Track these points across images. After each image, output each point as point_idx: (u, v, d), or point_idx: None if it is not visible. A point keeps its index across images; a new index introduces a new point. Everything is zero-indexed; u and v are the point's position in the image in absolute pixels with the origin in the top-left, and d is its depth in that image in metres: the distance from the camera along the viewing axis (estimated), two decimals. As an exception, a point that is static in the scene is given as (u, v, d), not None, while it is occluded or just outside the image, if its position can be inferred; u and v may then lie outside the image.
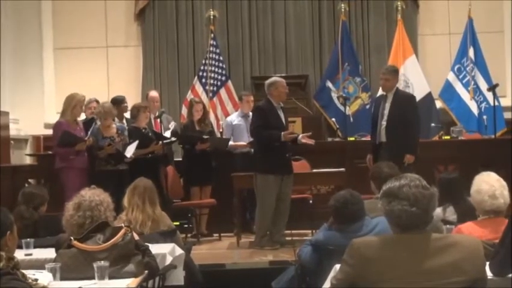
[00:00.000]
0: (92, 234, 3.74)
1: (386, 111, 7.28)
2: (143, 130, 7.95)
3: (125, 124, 8.19)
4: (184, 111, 9.74)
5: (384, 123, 7.27)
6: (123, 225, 3.88)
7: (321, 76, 10.95)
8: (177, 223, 7.56)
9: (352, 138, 9.02)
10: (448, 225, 4.41)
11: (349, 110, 10.15)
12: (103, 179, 7.06)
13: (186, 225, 8.31)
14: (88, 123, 7.87)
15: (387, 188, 2.77)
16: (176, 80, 11.09)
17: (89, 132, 7.51)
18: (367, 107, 10.45)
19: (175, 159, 8.75)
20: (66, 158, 7.36)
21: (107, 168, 7.49)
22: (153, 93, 9.05)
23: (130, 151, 7.57)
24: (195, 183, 8.26)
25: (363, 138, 9.14)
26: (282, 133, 7.19)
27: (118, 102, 8.41)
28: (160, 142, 7.87)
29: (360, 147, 8.29)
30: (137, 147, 7.65)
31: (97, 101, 8.36)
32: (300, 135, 7.36)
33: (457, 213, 5.00)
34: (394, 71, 7.52)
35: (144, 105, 8.26)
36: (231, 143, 8.51)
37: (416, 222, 2.70)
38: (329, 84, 10.58)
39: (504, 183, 3.98)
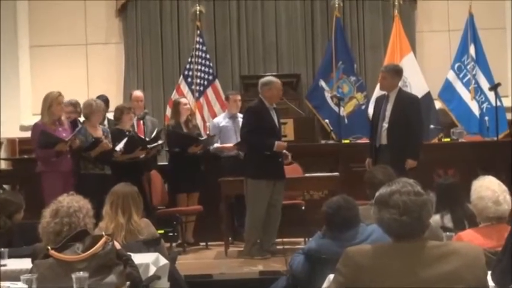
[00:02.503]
0: (70, 243, 3.72)
1: (388, 113, 7.27)
2: (127, 133, 7.92)
3: (107, 126, 8.17)
4: (168, 112, 9.73)
5: (386, 125, 7.26)
6: (103, 233, 3.86)
7: (314, 75, 10.96)
8: (162, 231, 7.55)
9: (346, 141, 9.04)
10: (447, 233, 4.42)
11: (344, 111, 10.18)
12: (87, 183, 7.04)
13: (171, 234, 8.29)
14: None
15: (378, 195, 2.78)
16: (160, 79, 11.08)
17: (75, 133, 7.37)
18: (363, 107, 10.48)
19: (159, 163, 8.72)
20: (47, 161, 7.29)
21: (95, 171, 7.43)
22: (138, 93, 9.05)
23: (119, 146, 7.55)
24: (182, 190, 8.23)
25: (358, 141, 9.16)
26: (276, 143, 7.19)
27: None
28: (148, 146, 7.86)
29: (355, 150, 8.31)
30: (127, 152, 7.64)
31: (73, 105, 8.26)
32: (289, 156, 7.38)
33: (455, 220, 5.01)
34: (394, 71, 7.42)
35: (128, 106, 8.24)
36: (217, 145, 8.50)
37: (408, 231, 2.70)
38: (322, 83, 10.60)
39: (505, 187, 4.00)
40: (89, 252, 3.66)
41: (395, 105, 7.27)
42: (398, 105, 7.25)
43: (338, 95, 9.54)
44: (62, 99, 7.45)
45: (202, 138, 8.29)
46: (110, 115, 8.57)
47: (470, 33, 10.40)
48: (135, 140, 7.84)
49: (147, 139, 8.00)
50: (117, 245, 3.91)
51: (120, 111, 8.04)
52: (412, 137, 7.16)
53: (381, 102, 7.46)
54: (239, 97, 8.76)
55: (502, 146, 8.24)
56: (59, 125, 7.44)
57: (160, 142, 8.17)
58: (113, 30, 11.20)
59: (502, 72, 10.38)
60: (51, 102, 7.35)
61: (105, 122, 8.36)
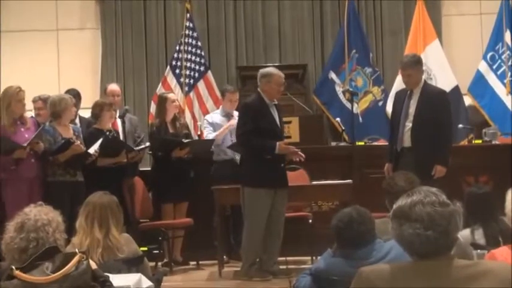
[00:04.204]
0: (38, 262, 3.72)
1: (411, 110, 7.28)
2: (108, 133, 7.93)
3: (78, 125, 8.17)
4: (153, 108, 9.74)
5: (409, 124, 7.27)
6: (77, 250, 3.86)
7: (323, 66, 10.98)
8: (145, 248, 7.56)
9: (361, 143, 9.04)
10: (479, 250, 4.42)
11: (358, 108, 10.20)
12: (57, 191, 7.05)
13: (155, 251, 8.30)
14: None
15: (397, 207, 2.77)
16: (143, 71, 11.09)
17: (37, 134, 7.36)
18: (380, 104, 10.49)
19: (141, 169, 8.73)
20: (7, 168, 7.28)
21: (65, 178, 7.43)
22: (113, 86, 9.05)
23: (93, 147, 7.56)
24: (168, 200, 8.25)
25: (375, 143, 9.17)
26: (278, 143, 7.19)
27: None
28: (135, 149, 7.89)
29: (370, 154, 8.33)
30: (103, 155, 7.65)
31: (43, 100, 8.28)
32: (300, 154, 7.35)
33: (488, 235, 5.02)
34: (415, 62, 7.41)
35: (108, 102, 8.25)
36: (212, 135, 8.49)
37: (433, 248, 2.69)
38: (332, 76, 10.62)
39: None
40: (59, 272, 3.66)
41: (420, 101, 7.26)
42: (424, 101, 7.25)
43: (351, 90, 9.52)
44: (23, 95, 7.36)
45: (187, 141, 8.27)
46: (82, 112, 8.57)
47: (506, 17, 10.41)
48: (117, 142, 7.85)
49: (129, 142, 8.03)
50: (93, 265, 3.91)
51: (99, 108, 8.04)
52: (440, 138, 7.16)
53: (402, 97, 7.45)
54: (237, 95, 8.75)
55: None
56: (21, 125, 7.39)
57: (148, 144, 8.20)
58: (89, 14, 11.22)
59: (542, 63, 10.40)
60: (10, 100, 7.28)
61: (77, 121, 8.36)
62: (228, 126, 8.46)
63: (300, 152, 7.32)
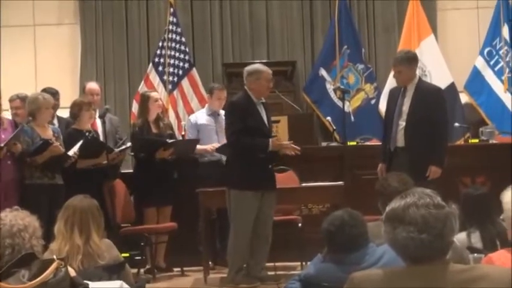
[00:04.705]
0: (14, 269, 3.71)
1: (405, 108, 7.29)
2: (87, 134, 7.92)
3: (57, 125, 8.16)
4: (135, 108, 9.72)
5: (403, 123, 7.28)
6: (55, 257, 3.85)
7: (313, 63, 11.00)
8: (127, 254, 7.55)
9: (353, 143, 9.06)
10: (475, 254, 4.44)
11: (349, 106, 10.21)
12: (35, 195, 7.03)
13: (138, 257, 8.29)
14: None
15: (390, 210, 2.78)
16: (125, 68, 11.10)
17: (14, 135, 7.34)
18: (373, 102, 10.51)
19: (123, 171, 8.73)
20: (-19, 171, 7.27)
21: (44, 181, 7.41)
22: (92, 85, 9.04)
23: (73, 150, 7.54)
24: (151, 203, 8.24)
25: (368, 143, 9.18)
26: (271, 140, 7.19)
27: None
28: (116, 150, 7.88)
29: (363, 154, 8.34)
30: (83, 157, 7.64)
31: (21, 99, 8.26)
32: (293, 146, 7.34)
33: (485, 239, 5.03)
34: (409, 59, 7.42)
35: (87, 101, 8.23)
36: (199, 146, 8.50)
37: (428, 252, 2.70)
38: (323, 73, 10.64)
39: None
40: (36, 280, 3.65)
41: (414, 98, 7.27)
42: (418, 98, 7.26)
43: (342, 87, 9.56)
44: None
45: (172, 141, 8.27)
46: (61, 112, 8.55)
47: (504, 11, 10.45)
48: (96, 142, 7.84)
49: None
50: (72, 272, 3.90)
51: (78, 108, 8.02)
52: (435, 138, 7.17)
53: (396, 95, 7.46)
54: (225, 93, 8.74)
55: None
56: None
57: (129, 144, 8.18)
58: (67, 9, 11.21)
59: (541, 59, 10.44)
60: None
61: (55, 121, 8.35)
62: (212, 148, 8.42)
63: (294, 145, 7.31)
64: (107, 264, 4.99)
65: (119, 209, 8.04)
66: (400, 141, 7.29)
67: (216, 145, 8.30)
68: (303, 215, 8.43)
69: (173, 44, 10.51)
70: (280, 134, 8.54)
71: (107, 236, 5.33)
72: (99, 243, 5.05)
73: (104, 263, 4.98)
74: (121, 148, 8.06)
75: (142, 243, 8.22)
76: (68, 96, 9.14)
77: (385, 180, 5.32)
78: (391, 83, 9.16)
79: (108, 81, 10.94)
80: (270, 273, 7.53)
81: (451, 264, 2.74)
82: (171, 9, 10.59)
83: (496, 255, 3.98)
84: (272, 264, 7.74)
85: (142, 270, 8.11)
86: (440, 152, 7.22)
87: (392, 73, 8.09)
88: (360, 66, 10.65)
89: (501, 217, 4.07)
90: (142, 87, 10.19)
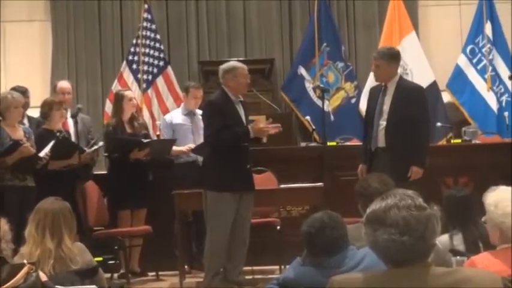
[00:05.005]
0: (-18, 274, 3.70)
1: (386, 107, 7.28)
2: (59, 134, 7.89)
3: (27, 125, 8.13)
4: (108, 107, 9.70)
5: (383, 122, 7.27)
6: (25, 261, 3.84)
7: (291, 61, 11.01)
8: (100, 258, 7.49)
9: (332, 143, 9.07)
10: (458, 257, 4.45)
11: (329, 106, 10.22)
12: (4, 197, 7.01)
13: (111, 261, 8.26)
14: None
15: (371, 212, 2.77)
16: (97, 66, 11.07)
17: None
18: (353, 101, 10.53)
19: (96, 172, 8.70)
20: None
21: (14, 183, 7.37)
22: (63, 84, 9.00)
23: (44, 151, 7.52)
24: (125, 206, 8.23)
25: (348, 143, 9.20)
26: (250, 126, 7.18)
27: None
28: (87, 150, 7.86)
29: (343, 155, 8.35)
30: (54, 158, 7.61)
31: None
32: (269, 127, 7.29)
33: (468, 241, 5.06)
34: (390, 56, 7.39)
35: (58, 100, 8.20)
36: (175, 148, 8.47)
37: (409, 254, 2.70)
38: (302, 71, 10.65)
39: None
40: (6, 286, 3.64)
41: (395, 97, 7.27)
42: (399, 97, 7.26)
43: (322, 86, 9.57)
44: None
45: (147, 141, 8.26)
46: (31, 111, 8.51)
47: (486, 7, 10.49)
48: (68, 143, 7.82)
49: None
50: (43, 276, 3.90)
51: (48, 107, 7.99)
52: (416, 138, 7.18)
53: (376, 94, 7.46)
54: (201, 92, 8.71)
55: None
56: None
57: (100, 144, 8.16)
58: (38, 5, 11.15)
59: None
60: None
61: (25, 121, 8.31)
62: (188, 149, 8.40)
63: (273, 124, 7.27)
64: (80, 268, 4.98)
65: (92, 211, 8.01)
66: (381, 141, 7.29)
67: (192, 146, 8.30)
68: (282, 217, 8.43)
69: (147, 42, 10.49)
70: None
71: (79, 240, 5.32)
72: (72, 247, 5.03)
73: (77, 267, 4.97)
74: (93, 148, 8.03)
75: (116, 247, 8.19)
76: (38, 95, 9.11)
77: (365, 181, 5.33)
78: (371, 81, 9.17)
79: (80, 79, 10.90)
80: (247, 277, 7.53)
81: (432, 267, 2.74)
82: (145, 6, 10.57)
83: (479, 258, 4.01)
84: (250, 268, 7.74)
85: (116, 275, 8.09)
86: (422, 152, 7.23)
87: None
88: (340, 64, 10.67)
89: (483, 219, 4.10)
90: (116, 86, 10.16)
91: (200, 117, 7.93)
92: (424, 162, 7.18)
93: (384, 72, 7.36)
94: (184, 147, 8.43)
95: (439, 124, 9.49)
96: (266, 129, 7.26)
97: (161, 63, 10.53)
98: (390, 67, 7.36)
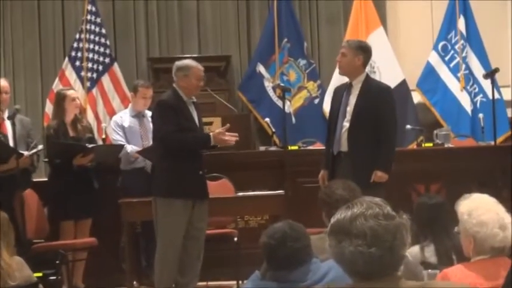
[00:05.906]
0: None
1: (350, 108, 7.27)
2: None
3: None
4: (49, 108, 9.65)
5: (346, 124, 7.23)
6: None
7: (249, 58, 11.03)
8: (40, 274, 7.45)
9: (294, 147, 9.11)
10: (430, 270, 4.50)
11: (290, 107, 10.26)
12: None
13: (53, 277, 8.21)
14: None
15: (335, 222, 2.78)
16: (37, 63, 11.02)
17: None
18: (316, 101, 10.58)
19: (35, 180, 8.64)
20: None
21: None
22: (1, 82, 8.93)
23: None
24: (67, 216, 8.19)
25: (310, 147, 9.25)
26: (212, 134, 7.16)
27: None
28: (26, 154, 7.81)
29: (306, 160, 8.38)
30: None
31: None
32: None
33: (440, 252, 5.10)
34: (358, 47, 7.30)
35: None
36: (130, 148, 8.40)
37: (377, 267, 2.72)
38: (261, 69, 10.68)
39: (502, 206, 4.06)
40: None
41: (360, 97, 7.25)
42: (364, 97, 7.25)
43: (282, 85, 9.59)
44: None
45: (92, 146, 8.22)
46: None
47: (459, 1, 10.57)
48: (5, 147, 7.78)
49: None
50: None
51: (-18, 109, 7.96)
52: (382, 140, 7.21)
53: (340, 94, 7.42)
54: (151, 92, 8.65)
55: (501, 152, 8.39)
56: None
57: (40, 147, 8.11)
58: (-30, -5, 11.09)
59: (500, 54, 10.58)
60: None
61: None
62: (136, 156, 8.39)
63: (232, 134, 7.25)
64: (18, 285, 4.96)
65: (31, 222, 7.96)
66: (344, 144, 7.25)
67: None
68: (239, 228, 8.44)
69: (92, 36, 10.45)
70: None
71: (18, 253, 5.27)
72: (10, 261, 5.00)
73: (15, 283, 4.95)
74: (32, 151, 7.97)
75: (57, 261, 8.12)
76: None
77: (328, 188, 5.35)
78: (336, 80, 9.23)
79: (18, 78, 10.83)
80: (202, 293, 7.55)
81: (402, 280, 2.77)
82: (90, -3, 10.55)
83: (452, 271, 4.05)
84: (205, 283, 7.77)
85: (57, 292, 8.06)
86: (387, 155, 7.16)
87: (337, 70, 8.11)
88: (302, 62, 10.71)
89: (455, 229, 4.14)
90: (57, 85, 10.11)
91: (150, 119, 7.90)
92: (389, 166, 7.14)
93: (348, 63, 7.23)
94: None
95: (409, 126, 9.54)
96: (229, 142, 7.25)
97: (107, 59, 10.49)
98: (357, 58, 7.21)
